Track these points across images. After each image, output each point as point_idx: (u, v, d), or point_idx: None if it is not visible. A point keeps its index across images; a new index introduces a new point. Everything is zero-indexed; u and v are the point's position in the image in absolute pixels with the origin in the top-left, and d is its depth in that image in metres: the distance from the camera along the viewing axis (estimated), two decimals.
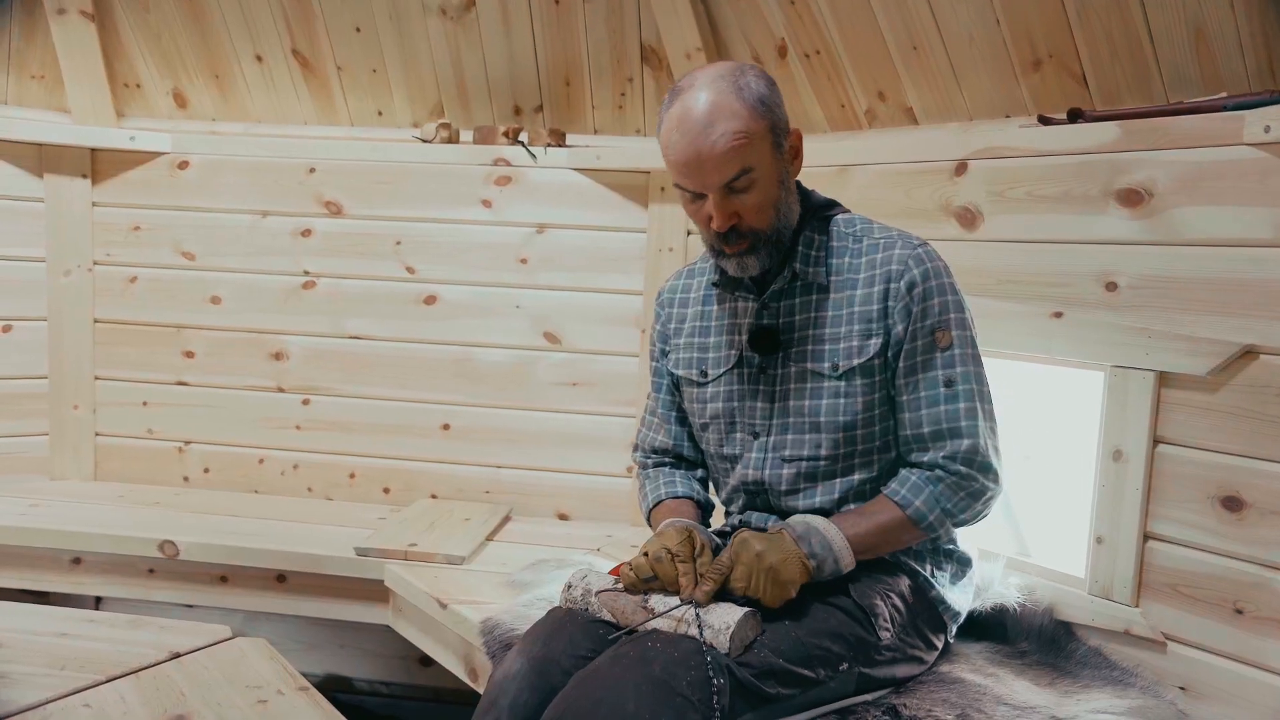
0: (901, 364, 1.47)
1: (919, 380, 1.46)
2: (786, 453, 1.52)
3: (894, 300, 1.46)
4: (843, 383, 1.48)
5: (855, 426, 1.48)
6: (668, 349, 1.69)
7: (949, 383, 1.46)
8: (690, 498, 1.66)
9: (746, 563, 1.35)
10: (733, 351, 1.57)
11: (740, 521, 1.61)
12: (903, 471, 1.49)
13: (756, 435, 1.54)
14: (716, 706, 1.23)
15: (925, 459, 1.47)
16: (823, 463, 1.50)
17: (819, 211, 1.55)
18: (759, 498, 1.57)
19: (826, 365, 1.49)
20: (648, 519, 1.69)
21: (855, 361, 1.47)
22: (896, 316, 1.46)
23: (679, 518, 1.53)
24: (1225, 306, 1.53)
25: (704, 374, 1.61)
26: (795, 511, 1.52)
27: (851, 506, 1.51)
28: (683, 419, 1.71)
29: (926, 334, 1.46)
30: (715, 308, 1.62)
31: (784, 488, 1.53)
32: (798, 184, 1.54)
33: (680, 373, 1.65)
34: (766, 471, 1.53)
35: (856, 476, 1.51)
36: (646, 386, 2.60)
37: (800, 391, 1.50)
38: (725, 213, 1.42)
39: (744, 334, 1.55)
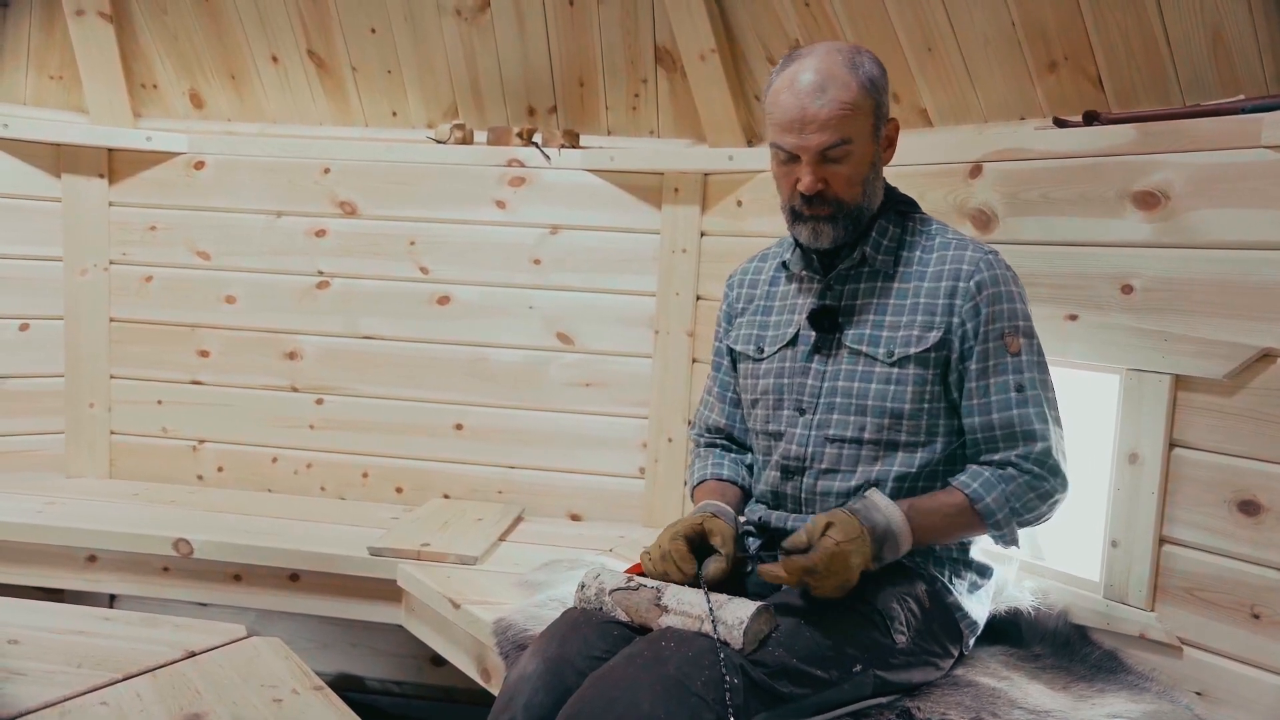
0: (973, 365, 1.49)
1: (990, 384, 1.48)
2: (830, 431, 1.53)
3: (961, 298, 1.49)
4: (895, 369, 1.50)
5: (902, 415, 1.50)
6: (731, 328, 1.72)
7: (1020, 387, 1.48)
8: (734, 481, 1.69)
9: (826, 558, 1.34)
10: (791, 330, 1.60)
11: (760, 519, 1.61)
12: (973, 467, 1.50)
13: (802, 412, 1.56)
14: (730, 706, 1.23)
15: (997, 458, 1.49)
16: (865, 447, 1.52)
17: (898, 205, 1.59)
18: (796, 476, 1.57)
19: (881, 351, 1.51)
20: (692, 496, 1.73)
21: (912, 350, 1.49)
22: (965, 315, 1.48)
23: (711, 501, 1.57)
24: (1242, 309, 1.52)
25: (760, 350, 1.64)
26: (830, 493, 1.53)
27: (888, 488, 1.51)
28: (738, 401, 1.74)
29: (996, 337, 1.48)
30: (781, 288, 1.66)
31: (824, 466, 1.54)
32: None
33: (739, 348, 1.68)
34: (810, 448, 1.55)
35: (896, 466, 1.51)
36: (659, 388, 2.64)
37: (851, 374, 1.53)
38: (816, 176, 1.46)
39: (803, 313, 1.58)
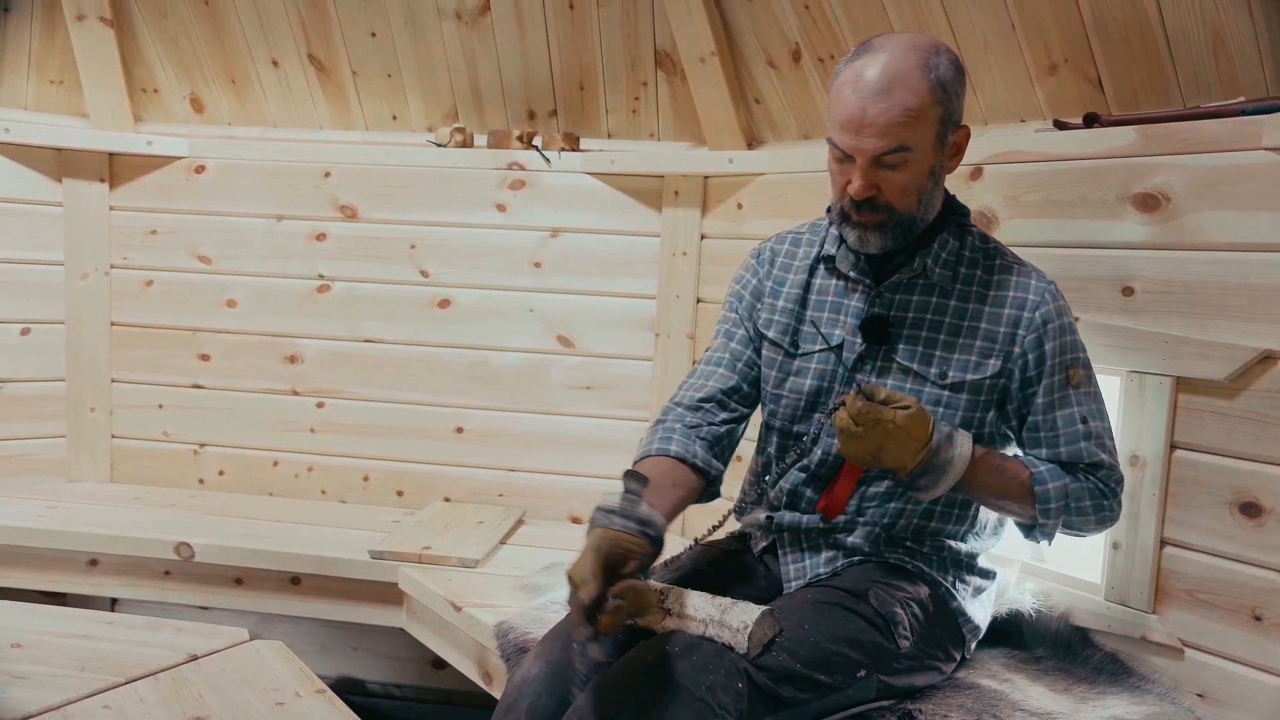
0: (1039, 399, 1.46)
1: (1057, 417, 1.46)
2: None
3: (1025, 329, 1.45)
4: (947, 392, 1.46)
5: None
6: (759, 305, 1.61)
7: (1084, 420, 1.46)
8: (682, 459, 1.48)
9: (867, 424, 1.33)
10: (835, 332, 1.53)
11: (769, 517, 1.58)
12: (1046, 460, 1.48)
13: None
14: (735, 710, 1.23)
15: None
16: None
17: (957, 218, 1.52)
18: (822, 481, 1.52)
19: (934, 370, 1.47)
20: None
21: (968, 376, 1.46)
22: (1026, 345, 1.45)
23: (624, 518, 1.29)
24: (1243, 311, 1.52)
25: (795, 345, 1.56)
26: (856, 500, 1.51)
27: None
28: (751, 367, 1.59)
29: (1061, 370, 1.46)
30: (820, 281, 1.57)
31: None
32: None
33: (771, 335, 1.58)
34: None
35: None
36: (660, 390, 2.64)
37: (899, 390, 1.45)
38: (867, 181, 1.39)
39: (849, 316, 1.52)
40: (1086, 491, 1.46)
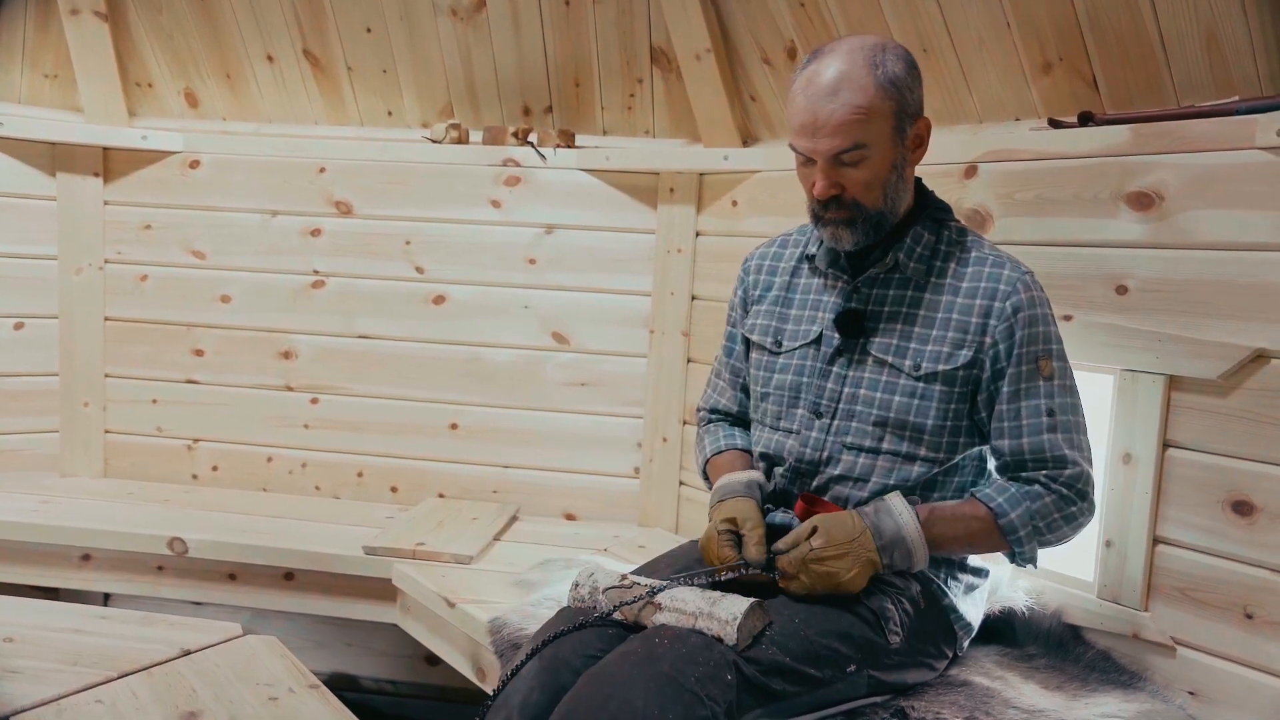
0: (1005, 388, 1.46)
1: (1021, 407, 1.46)
2: (848, 439, 1.52)
3: (996, 319, 1.46)
4: (921, 384, 1.48)
5: (924, 430, 1.48)
6: (747, 315, 1.69)
7: (1050, 412, 1.45)
8: (749, 451, 1.69)
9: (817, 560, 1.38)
10: (813, 327, 1.57)
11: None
12: (999, 481, 1.48)
13: (819, 415, 1.54)
14: (724, 702, 1.23)
15: (1024, 476, 1.47)
16: (882, 457, 1.50)
17: (934, 212, 1.55)
18: (806, 479, 1.55)
19: (908, 363, 1.49)
20: (703, 471, 1.73)
21: (940, 367, 1.47)
22: (997, 335, 1.45)
23: (731, 476, 1.58)
24: (1236, 310, 1.53)
25: (778, 344, 1.61)
26: (841, 499, 1.52)
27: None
28: (748, 387, 1.72)
29: (1030, 360, 1.46)
30: (804, 280, 1.63)
31: (838, 472, 1.52)
32: (919, 180, 1.56)
33: (755, 338, 1.65)
34: (825, 453, 1.53)
35: (912, 479, 1.49)
36: (654, 387, 2.64)
37: (875, 383, 1.50)
38: (829, 181, 1.44)
39: (828, 311, 1.56)
40: (1051, 505, 1.45)
